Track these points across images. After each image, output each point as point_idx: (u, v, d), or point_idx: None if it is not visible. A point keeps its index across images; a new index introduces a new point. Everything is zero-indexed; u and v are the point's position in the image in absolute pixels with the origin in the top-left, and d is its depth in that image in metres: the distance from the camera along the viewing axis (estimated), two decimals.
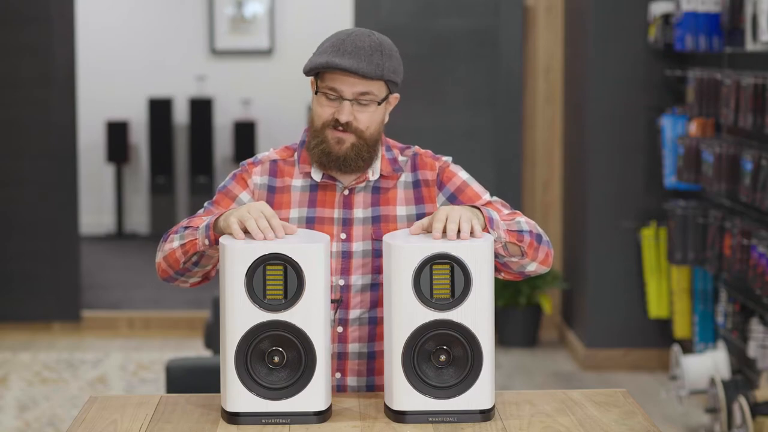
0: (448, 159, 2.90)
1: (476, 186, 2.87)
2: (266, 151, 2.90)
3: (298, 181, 2.84)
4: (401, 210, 2.83)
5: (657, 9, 6.07)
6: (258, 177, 2.85)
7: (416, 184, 2.86)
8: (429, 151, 2.91)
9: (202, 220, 2.75)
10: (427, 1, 6.86)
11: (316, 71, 2.77)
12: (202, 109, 10.25)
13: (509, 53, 6.93)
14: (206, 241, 2.68)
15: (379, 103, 2.77)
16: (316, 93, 2.79)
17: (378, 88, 2.76)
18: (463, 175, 2.87)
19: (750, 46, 4.99)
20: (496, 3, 6.90)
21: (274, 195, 2.83)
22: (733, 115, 5.03)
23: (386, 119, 2.84)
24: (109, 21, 10.41)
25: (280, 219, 2.70)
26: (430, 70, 6.80)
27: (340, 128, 2.75)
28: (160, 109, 10.26)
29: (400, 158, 2.87)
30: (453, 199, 2.83)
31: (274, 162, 2.86)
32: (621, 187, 6.37)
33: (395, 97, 2.84)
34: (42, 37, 7.14)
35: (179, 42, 10.46)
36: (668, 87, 6.27)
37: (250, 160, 2.89)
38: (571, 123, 6.85)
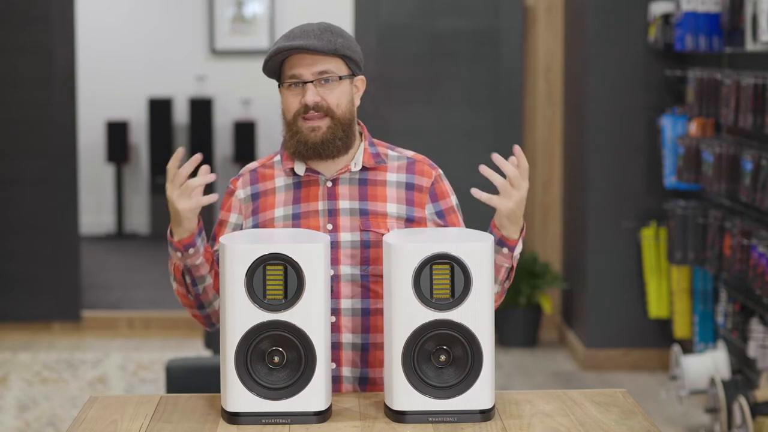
0: (439, 171, 2.95)
1: (460, 216, 2.94)
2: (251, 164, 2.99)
3: (280, 180, 2.89)
4: (392, 207, 2.87)
5: (657, 9, 6.07)
6: (241, 190, 2.91)
7: (409, 186, 2.89)
8: (427, 159, 2.96)
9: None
10: (427, 1, 6.85)
11: (270, 60, 2.82)
12: (202, 109, 10.25)
13: (509, 53, 6.93)
14: (178, 254, 2.73)
15: (341, 78, 2.81)
16: (280, 88, 2.85)
17: (336, 65, 2.82)
18: (453, 200, 2.94)
19: (750, 46, 4.99)
20: (496, 3, 6.89)
21: (258, 201, 2.89)
22: (733, 115, 5.03)
23: (357, 102, 2.89)
24: (109, 21, 10.41)
25: (267, 219, 2.83)
26: (430, 70, 6.79)
27: (311, 113, 2.80)
28: (160, 109, 10.26)
29: (391, 153, 2.92)
30: (441, 216, 2.89)
31: (253, 171, 2.93)
32: (621, 187, 6.37)
33: (361, 80, 2.90)
34: (42, 37, 7.13)
35: (179, 42, 10.46)
36: (668, 87, 6.27)
37: (234, 177, 2.96)
38: (571, 123, 6.85)
